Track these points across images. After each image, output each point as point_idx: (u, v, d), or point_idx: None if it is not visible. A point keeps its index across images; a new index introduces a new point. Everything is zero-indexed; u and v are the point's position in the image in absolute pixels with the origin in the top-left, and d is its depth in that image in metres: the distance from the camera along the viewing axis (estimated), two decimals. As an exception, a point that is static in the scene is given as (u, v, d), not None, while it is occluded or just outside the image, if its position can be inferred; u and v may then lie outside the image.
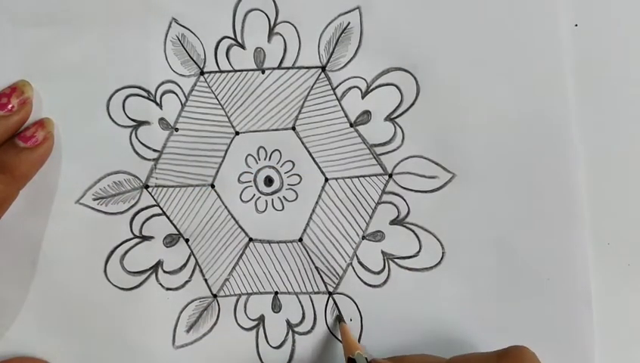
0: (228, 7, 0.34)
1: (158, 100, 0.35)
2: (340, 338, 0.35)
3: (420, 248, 0.35)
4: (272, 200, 0.35)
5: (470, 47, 0.34)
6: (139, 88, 0.34)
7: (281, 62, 0.35)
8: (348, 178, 0.35)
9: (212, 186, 0.35)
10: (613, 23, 0.34)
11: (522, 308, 0.34)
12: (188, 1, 0.34)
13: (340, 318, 0.35)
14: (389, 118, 0.35)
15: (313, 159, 0.35)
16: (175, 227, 0.35)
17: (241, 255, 0.35)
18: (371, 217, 0.35)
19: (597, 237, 0.34)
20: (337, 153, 0.35)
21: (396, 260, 0.35)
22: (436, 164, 0.35)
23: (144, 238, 0.35)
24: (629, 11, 0.35)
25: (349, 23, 0.34)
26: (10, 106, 0.33)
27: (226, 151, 0.35)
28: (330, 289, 0.35)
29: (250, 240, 0.35)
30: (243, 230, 0.35)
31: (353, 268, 0.35)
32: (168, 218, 0.35)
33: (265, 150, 0.35)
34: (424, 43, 0.34)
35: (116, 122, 0.34)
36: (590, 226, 0.34)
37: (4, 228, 0.34)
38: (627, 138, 0.35)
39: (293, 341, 0.35)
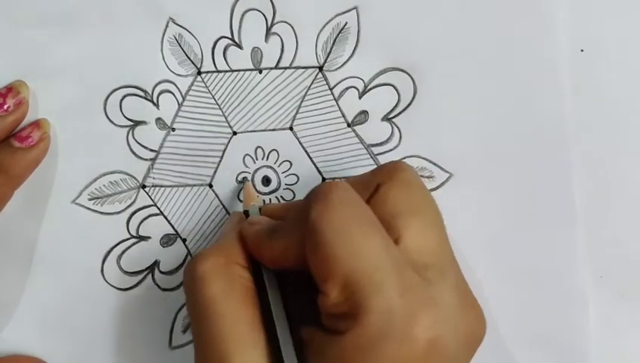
0: (225, 7, 0.34)
1: (155, 100, 0.34)
2: None
3: (417, 248, 0.35)
4: (270, 199, 0.35)
5: (467, 47, 0.34)
6: (136, 87, 0.34)
7: (278, 62, 0.35)
8: (345, 177, 0.35)
9: (210, 186, 0.35)
10: (611, 22, 0.35)
11: (516, 308, 0.34)
12: (185, 0, 0.34)
13: (245, 179, 0.34)
14: (387, 118, 0.35)
15: (311, 159, 0.35)
16: (172, 227, 0.35)
17: (238, 255, 0.35)
18: (368, 217, 0.35)
19: (591, 237, 0.35)
20: (335, 153, 0.35)
21: (393, 260, 0.35)
22: (433, 164, 0.35)
23: (141, 238, 0.35)
24: (627, 11, 0.35)
25: (346, 23, 0.34)
26: (6, 106, 0.33)
27: (224, 151, 0.35)
28: (328, 289, 0.35)
29: (248, 240, 0.35)
30: (240, 230, 0.35)
31: (351, 267, 0.35)
32: (165, 218, 0.35)
33: (263, 150, 0.35)
34: (421, 43, 0.34)
35: (113, 122, 0.34)
36: (585, 225, 0.34)
37: (0, 228, 0.34)
38: (624, 140, 0.35)
39: (291, 341, 0.35)
